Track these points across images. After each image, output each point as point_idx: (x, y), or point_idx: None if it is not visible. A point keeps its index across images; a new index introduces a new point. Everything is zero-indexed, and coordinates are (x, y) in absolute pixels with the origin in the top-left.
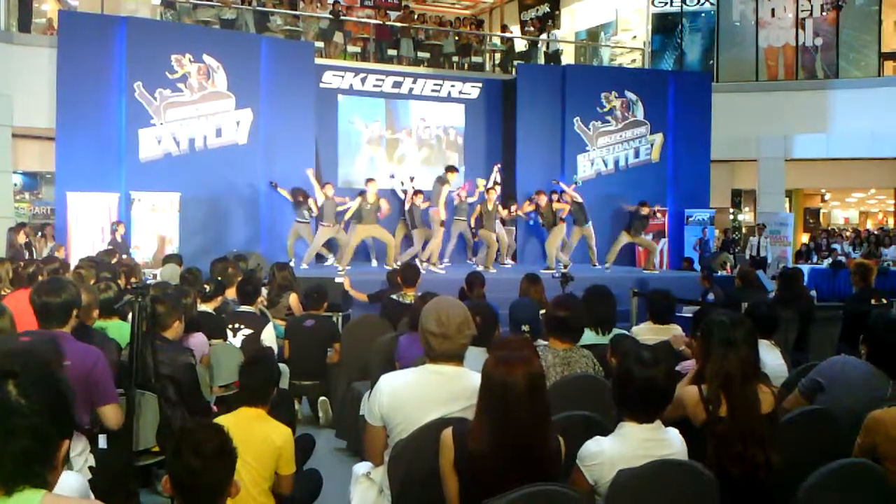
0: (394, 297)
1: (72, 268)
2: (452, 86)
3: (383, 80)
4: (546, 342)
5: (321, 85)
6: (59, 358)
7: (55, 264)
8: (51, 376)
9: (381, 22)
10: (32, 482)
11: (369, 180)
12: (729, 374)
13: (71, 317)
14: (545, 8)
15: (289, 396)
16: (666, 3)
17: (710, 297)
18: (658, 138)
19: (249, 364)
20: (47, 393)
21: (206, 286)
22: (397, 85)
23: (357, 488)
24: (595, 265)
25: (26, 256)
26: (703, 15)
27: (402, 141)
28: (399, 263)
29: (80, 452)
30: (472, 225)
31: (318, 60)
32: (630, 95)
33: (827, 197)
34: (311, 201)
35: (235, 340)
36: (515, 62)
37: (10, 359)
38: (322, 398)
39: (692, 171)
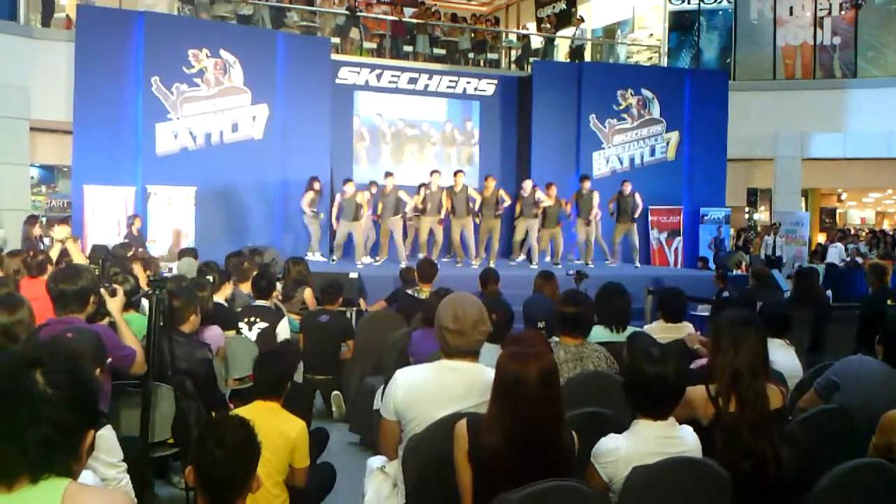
0: (409, 291)
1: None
2: (468, 82)
3: (399, 77)
4: (558, 339)
5: (337, 81)
6: (102, 354)
7: (69, 257)
8: (77, 367)
9: (397, 18)
10: (56, 471)
11: (388, 174)
12: (738, 369)
13: (88, 303)
14: (562, 5)
15: (307, 390)
16: (683, 1)
17: (726, 295)
18: (674, 136)
19: (264, 357)
20: (74, 383)
21: (209, 278)
22: (413, 81)
23: (371, 482)
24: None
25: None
26: (720, 13)
27: (417, 137)
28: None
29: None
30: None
31: (335, 56)
32: (646, 93)
33: (843, 197)
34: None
35: (251, 334)
36: (531, 59)
37: (39, 350)
38: (335, 392)
39: (708, 169)
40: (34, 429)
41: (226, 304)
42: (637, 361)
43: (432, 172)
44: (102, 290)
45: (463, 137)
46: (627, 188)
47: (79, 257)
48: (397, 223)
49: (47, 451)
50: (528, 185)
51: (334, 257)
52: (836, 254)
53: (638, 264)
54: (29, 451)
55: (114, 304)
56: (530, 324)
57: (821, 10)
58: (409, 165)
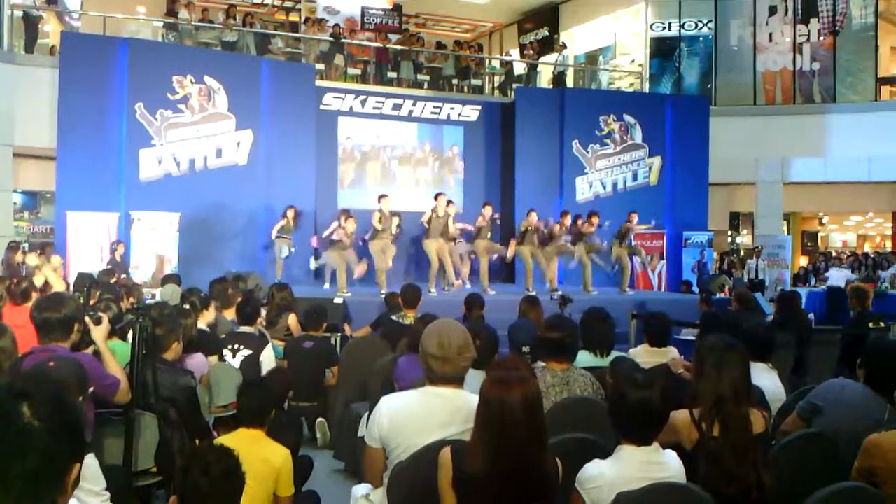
0: (393, 317)
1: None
2: (452, 108)
3: (383, 103)
4: (544, 364)
5: (321, 107)
6: (84, 383)
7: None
8: (64, 399)
9: (381, 45)
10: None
11: (382, 196)
12: (721, 394)
13: (72, 331)
14: (544, 32)
15: (296, 418)
16: (664, 28)
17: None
18: (656, 161)
19: (248, 386)
20: (60, 415)
21: (186, 306)
22: (397, 107)
23: None
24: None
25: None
26: (700, 39)
27: (400, 163)
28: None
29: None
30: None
31: (319, 82)
32: (628, 119)
33: (825, 220)
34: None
35: (235, 361)
36: (515, 85)
37: (25, 380)
38: (320, 419)
39: (690, 194)
40: (20, 463)
41: (208, 330)
42: (621, 387)
43: (437, 195)
44: (87, 319)
45: (446, 163)
46: (634, 219)
47: (58, 284)
48: (390, 248)
49: (33, 485)
50: (533, 216)
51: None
52: (841, 277)
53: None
54: (13, 486)
55: (98, 333)
56: (515, 349)
57: (800, 36)
58: (395, 191)
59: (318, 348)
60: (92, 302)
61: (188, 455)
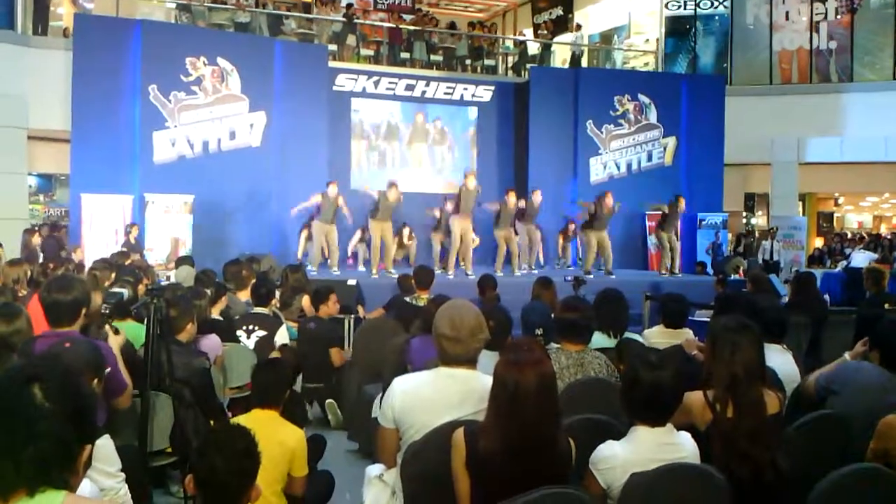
0: (406, 299)
1: (86, 269)
2: (465, 89)
3: (396, 83)
4: (559, 345)
5: (334, 88)
6: (102, 364)
7: (70, 266)
8: (75, 382)
9: (394, 25)
10: (53, 485)
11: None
12: (735, 375)
13: (80, 315)
14: (558, 11)
15: (300, 397)
16: (679, 6)
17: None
18: (671, 142)
19: (261, 366)
20: (72, 398)
21: (207, 291)
22: (410, 88)
23: (370, 490)
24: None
25: (40, 259)
26: (716, 18)
27: (414, 144)
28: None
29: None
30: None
31: (332, 63)
32: (643, 99)
33: (840, 201)
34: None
35: (249, 342)
36: (528, 65)
37: (37, 363)
38: (329, 401)
39: (705, 174)
40: (31, 445)
41: (222, 319)
42: (634, 368)
43: (467, 175)
44: (106, 328)
45: (460, 144)
46: (682, 204)
47: None
48: (388, 228)
49: (43, 467)
50: (537, 196)
51: (314, 268)
52: (864, 259)
53: (677, 272)
54: (27, 467)
55: (114, 342)
56: (528, 331)
57: (817, 14)
58: (408, 172)
59: (320, 329)
60: (107, 284)
61: (204, 435)
